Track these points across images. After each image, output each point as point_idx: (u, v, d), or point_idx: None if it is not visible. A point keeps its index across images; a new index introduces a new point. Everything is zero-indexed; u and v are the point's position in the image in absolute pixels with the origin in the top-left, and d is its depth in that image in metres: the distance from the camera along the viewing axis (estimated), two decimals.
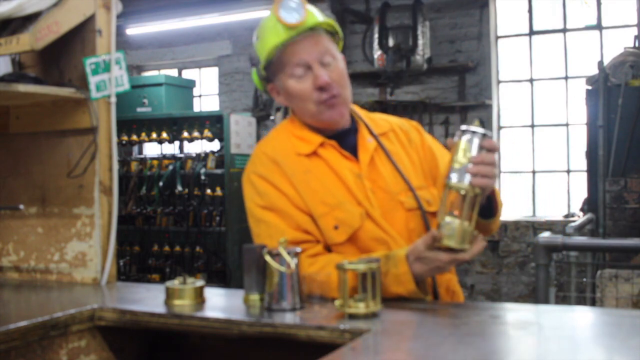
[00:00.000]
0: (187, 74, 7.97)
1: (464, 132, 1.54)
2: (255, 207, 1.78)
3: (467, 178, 1.51)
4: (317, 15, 1.77)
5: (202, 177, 5.62)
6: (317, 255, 1.71)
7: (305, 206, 1.74)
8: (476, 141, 1.52)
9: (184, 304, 1.67)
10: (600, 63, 5.00)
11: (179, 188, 5.68)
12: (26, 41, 1.86)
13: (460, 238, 1.52)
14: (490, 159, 1.52)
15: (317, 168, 1.77)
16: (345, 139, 1.82)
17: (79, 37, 2.10)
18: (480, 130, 1.53)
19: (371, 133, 1.84)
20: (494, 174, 1.53)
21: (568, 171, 6.32)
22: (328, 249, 1.75)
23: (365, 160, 1.79)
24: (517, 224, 6.14)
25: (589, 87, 5.17)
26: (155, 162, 5.87)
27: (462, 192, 1.52)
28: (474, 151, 1.52)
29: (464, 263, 1.64)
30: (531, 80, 6.45)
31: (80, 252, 2.12)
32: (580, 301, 3.80)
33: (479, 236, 1.56)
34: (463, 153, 1.52)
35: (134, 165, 5.95)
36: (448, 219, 1.53)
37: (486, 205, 1.65)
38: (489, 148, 1.53)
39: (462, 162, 1.52)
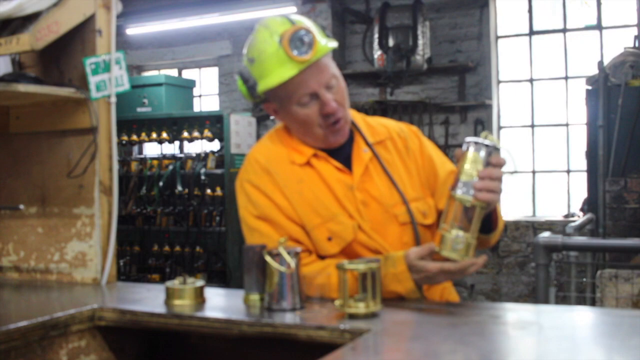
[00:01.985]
0: (187, 74, 7.97)
1: (472, 143, 1.52)
2: (248, 216, 1.77)
3: (473, 191, 1.50)
4: (322, 41, 1.70)
5: (202, 177, 5.63)
6: (311, 263, 1.71)
7: (297, 217, 1.73)
8: (484, 154, 1.51)
9: (184, 304, 1.67)
10: (600, 63, 5.00)
11: (179, 188, 5.68)
12: (26, 41, 1.86)
13: (464, 251, 1.52)
14: (497, 174, 1.50)
15: (310, 178, 1.76)
16: (341, 149, 1.80)
17: (79, 37, 2.10)
18: (489, 142, 1.51)
19: (367, 143, 1.82)
20: (500, 189, 1.51)
21: (568, 171, 6.32)
22: (321, 258, 1.75)
23: (359, 172, 1.77)
24: (517, 224, 6.14)
25: (589, 87, 5.17)
26: (155, 162, 5.87)
27: (467, 205, 1.51)
28: (481, 164, 1.50)
29: (456, 277, 1.62)
30: (531, 80, 6.45)
31: (80, 252, 2.12)
32: (580, 301, 3.80)
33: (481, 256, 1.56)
34: (470, 165, 1.51)
35: (134, 165, 5.95)
36: (453, 231, 1.52)
37: (485, 219, 1.61)
38: (497, 164, 1.51)
39: (468, 174, 1.50)
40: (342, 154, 1.80)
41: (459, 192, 1.51)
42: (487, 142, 1.52)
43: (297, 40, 1.65)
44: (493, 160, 1.51)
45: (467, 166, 1.51)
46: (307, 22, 1.72)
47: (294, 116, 1.74)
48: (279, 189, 1.75)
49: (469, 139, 1.53)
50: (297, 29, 1.66)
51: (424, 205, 1.80)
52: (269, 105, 1.80)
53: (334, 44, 1.74)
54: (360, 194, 1.75)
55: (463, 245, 1.52)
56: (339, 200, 1.74)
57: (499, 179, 1.51)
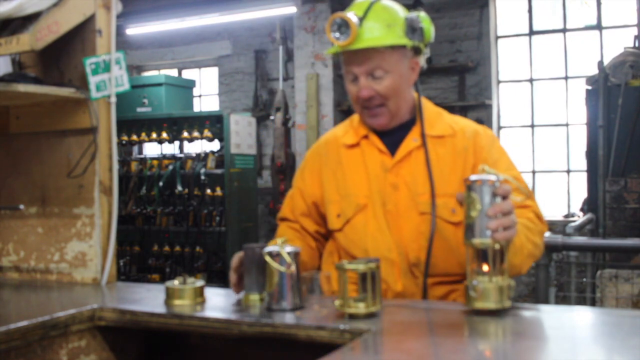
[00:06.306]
0: (187, 74, 7.97)
1: (472, 182, 1.45)
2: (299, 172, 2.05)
3: (489, 232, 1.43)
4: (371, 37, 1.75)
5: (202, 177, 5.62)
6: (286, 235, 1.89)
7: (313, 195, 1.93)
8: (487, 190, 1.44)
9: (184, 304, 1.67)
10: (600, 63, 5.00)
11: (179, 188, 5.68)
12: (26, 41, 1.86)
13: (497, 297, 1.44)
14: (507, 207, 1.45)
15: (351, 160, 1.90)
16: (395, 133, 1.86)
17: (79, 37, 2.10)
18: (489, 177, 1.44)
19: (421, 134, 1.84)
20: (514, 221, 1.47)
21: (568, 171, 6.32)
22: (324, 237, 1.96)
23: (399, 156, 1.83)
24: None
25: (589, 87, 5.17)
26: (155, 162, 5.87)
27: (486, 248, 1.45)
28: (487, 201, 1.43)
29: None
30: (531, 80, 6.45)
31: (80, 252, 2.12)
32: (580, 301, 3.80)
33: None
34: (476, 207, 1.44)
35: (134, 165, 5.95)
36: (477, 279, 1.45)
37: None
38: (503, 195, 1.46)
39: (476, 217, 1.43)
40: (394, 139, 1.86)
41: (474, 238, 1.44)
42: (485, 177, 1.45)
43: (333, 25, 1.78)
44: (499, 192, 1.45)
45: (473, 208, 1.44)
46: (380, 13, 1.79)
47: (347, 85, 1.87)
48: (318, 168, 1.95)
49: (470, 178, 1.46)
50: (338, 16, 1.77)
51: (456, 203, 1.76)
52: None
53: (389, 41, 1.78)
54: (393, 177, 1.82)
55: (496, 291, 1.44)
56: (368, 179, 1.84)
57: (510, 212, 1.46)
